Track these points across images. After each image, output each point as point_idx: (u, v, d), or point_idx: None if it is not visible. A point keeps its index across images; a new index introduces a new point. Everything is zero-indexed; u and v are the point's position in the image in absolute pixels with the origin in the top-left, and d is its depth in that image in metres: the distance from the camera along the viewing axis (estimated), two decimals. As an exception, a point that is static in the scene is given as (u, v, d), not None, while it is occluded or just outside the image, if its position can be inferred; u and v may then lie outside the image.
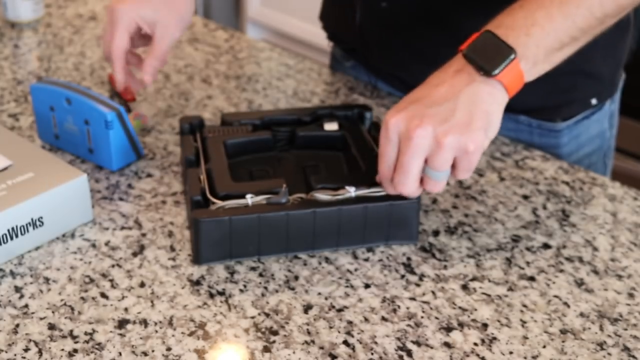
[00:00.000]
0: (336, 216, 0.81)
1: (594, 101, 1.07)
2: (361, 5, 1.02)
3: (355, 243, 0.83)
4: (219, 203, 0.80)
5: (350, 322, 0.74)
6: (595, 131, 1.10)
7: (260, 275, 0.80)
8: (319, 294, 0.78)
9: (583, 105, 1.07)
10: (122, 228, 0.86)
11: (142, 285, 0.78)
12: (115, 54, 0.96)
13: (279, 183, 0.82)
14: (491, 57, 0.74)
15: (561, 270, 0.82)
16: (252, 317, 0.75)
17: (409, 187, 0.77)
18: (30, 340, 0.72)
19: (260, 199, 0.81)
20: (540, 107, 1.05)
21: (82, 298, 0.77)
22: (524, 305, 0.77)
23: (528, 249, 0.85)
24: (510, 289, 0.79)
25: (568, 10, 0.77)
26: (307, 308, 0.76)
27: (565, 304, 0.78)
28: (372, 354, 0.71)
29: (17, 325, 0.73)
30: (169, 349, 0.71)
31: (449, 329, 0.74)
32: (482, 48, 0.75)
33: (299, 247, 0.82)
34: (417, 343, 0.72)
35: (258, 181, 0.85)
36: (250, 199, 0.80)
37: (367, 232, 0.83)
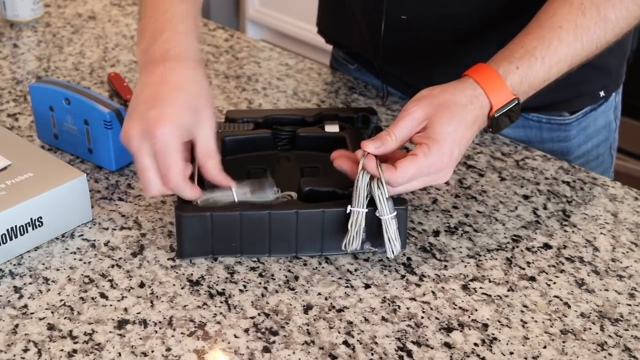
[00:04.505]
0: (319, 218, 0.80)
1: (601, 93, 1.08)
2: (385, 18, 1.03)
3: (339, 249, 0.81)
4: (204, 195, 0.80)
5: (350, 323, 0.74)
6: (602, 122, 1.11)
7: (260, 275, 0.80)
8: (319, 294, 0.78)
9: (591, 98, 1.08)
10: (122, 228, 0.86)
11: (141, 285, 0.78)
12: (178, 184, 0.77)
13: (269, 182, 0.82)
14: (505, 124, 0.82)
15: (562, 271, 0.82)
16: (252, 318, 0.74)
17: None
18: (29, 340, 0.71)
19: (246, 190, 0.80)
20: (550, 103, 1.06)
21: (82, 298, 0.76)
22: (525, 306, 0.77)
23: (528, 249, 0.85)
24: (510, 289, 0.79)
25: (573, 62, 0.84)
26: (307, 308, 0.76)
27: (566, 304, 0.77)
28: (372, 354, 0.71)
29: (17, 326, 0.73)
30: (168, 350, 0.71)
31: (449, 330, 0.74)
32: (504, 118, 0.81)
33: (281, 249, 0.81)
34: (418, 343, 0.72)
35: (250, 179, 0.85)
36: (235, 191, 0.80)
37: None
